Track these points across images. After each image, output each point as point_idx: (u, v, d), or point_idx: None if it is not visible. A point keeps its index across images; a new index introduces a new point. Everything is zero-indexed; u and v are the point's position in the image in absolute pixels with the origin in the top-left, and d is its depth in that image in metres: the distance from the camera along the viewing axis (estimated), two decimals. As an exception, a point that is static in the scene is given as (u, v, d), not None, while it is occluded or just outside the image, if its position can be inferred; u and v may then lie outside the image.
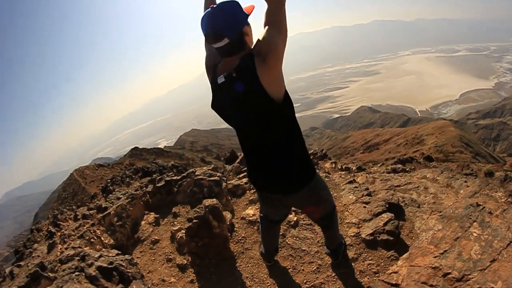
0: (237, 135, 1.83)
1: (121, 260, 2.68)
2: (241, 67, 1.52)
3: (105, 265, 2.54)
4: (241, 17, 1.53)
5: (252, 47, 1.58)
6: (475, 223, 2.32)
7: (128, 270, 2.59)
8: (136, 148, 46.69)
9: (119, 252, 2.95)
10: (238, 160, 6.32)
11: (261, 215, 2.42)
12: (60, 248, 4.26)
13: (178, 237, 3.70)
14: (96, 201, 6.73)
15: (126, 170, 15.13)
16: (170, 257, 3.53)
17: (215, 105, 1.75)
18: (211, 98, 1.74)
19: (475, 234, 2.24)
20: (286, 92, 1.61)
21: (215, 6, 1.52)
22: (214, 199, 3.37)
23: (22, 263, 3.86)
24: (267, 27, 1.52)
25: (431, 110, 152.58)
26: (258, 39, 1.53)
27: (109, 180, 8.84)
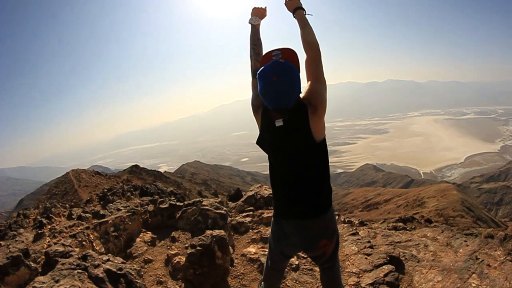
0: (273, 166, 2.04)
1: (130, 269, 2.62)
2: (296, 115, 1.81)
3: (114, 269, 2.48)
4: (299, 83, 1.77)
5: (302, 97, 1.86)
6: (474, 275, 2.47)
7: (136, 280, 2.52)
8: (136, 166, 46.51)
9: (124, 260, 2.88)
10: (242, 199, 6.27)
11: (270, 255, 2.39)
12: (48, 242, 4.16)
13: (175, 261, 3.61)
14: (91, 206, 6.63)
15: (125, 184, 15.02)
16: (161, 279, 3.43)
17: (261, 141, 2.02)
18: (259, 135, 2.02)
19: (473, 285, 2.35)
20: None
21: (279, 77, 1.70)
22: (222, 230, 3.34)
23: (2, 242, 3.74)
24: (313, 80, 1.87)
25: (435, 172, 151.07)
26: (310, 91, 1.85)
27: (107, 190, 8.73)
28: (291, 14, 2.17)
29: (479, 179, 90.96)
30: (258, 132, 2.06)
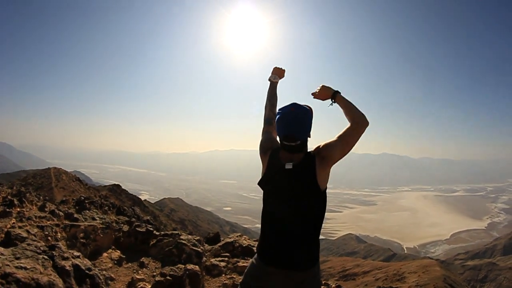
0: (269, 209, 2.03)
1: (100, 273, 2.45)
2: (304, 162, 1.91)
3: (83, 268, 2.31)
4: (310, 127, 1.99)
5: (319, 146, 1.97)
6: None
7: (102, 286, 2.34)
8: (118, 186, 45.40)
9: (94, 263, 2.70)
10: (220, 244, 6.04)
11: None
12: (13, 223, 3.94)
13: (139, 286, 3.39)
14: (66, 207, 6.37)
15: (103, 199, 14.57)
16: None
17: (265, 182, 2.04)
18: (262, 176, 2.05)
19: None
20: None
21: (296, 109, 1.94)
22: (197, 266, 3.18)
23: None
24: (338, 138, 1.95)
25: (418, 248, 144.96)
26: (329, 144, 1.93)
27: (84, 198, 8.45)
28: (329, 102, 2.18)
29: (464, 255, 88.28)
30: (260, 176, 2.07)
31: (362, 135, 2.00)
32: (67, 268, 2.24)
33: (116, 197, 36.71)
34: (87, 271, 2.38)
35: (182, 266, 3.14)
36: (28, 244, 2.22)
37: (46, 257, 2.17)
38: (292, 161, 1.93)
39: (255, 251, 2.11)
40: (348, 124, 1.99)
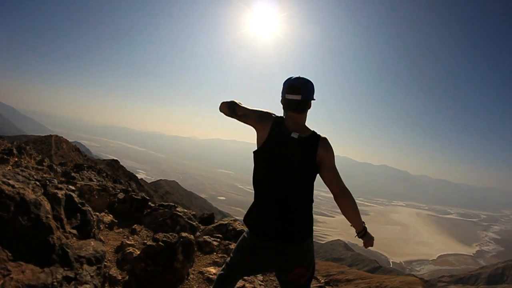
0: (263, 179, 1.96)
1: (92, 212, 2.33)
2: (310, 137, 1.94)
3: (77, 201, 2.20)
4: (312, 94, 2.01)
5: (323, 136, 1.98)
6: None
7: (93, 223, 2.22)
8: (116, 161, 45.41)
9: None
10: (213, 225, 5.94)
11: (223, 272, 2.09)
12: (9, 169, 3.85)
13: (128, 251, 3.27)
14: (64, 168, 6.27)
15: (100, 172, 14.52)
16: (106, 264, 3.07)
17: (265, 149, 1.94)
18: (263, 143, 1.94)
19: None
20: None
21: (301, 77, 2.00)
22: (192, 236, 3.04)
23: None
24: (330, 175, 1.92)
25: (404, 264, 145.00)
26: (329, 158, 1.93)
27: (85, 162, 8.38)
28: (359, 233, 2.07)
29: (448, 278, 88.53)
30: (256, 147, 1.99)
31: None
32: (59, 195, 2.11)
33: (113, 172, 36.73)
34: (79, 205, 2.26)
35: (175, 234, 3.01)
36: (22, 170, 2.10)
37: (38, 183, 2.04)
38: (298, 131, 1.93)
39: (245, 223, 2.00)
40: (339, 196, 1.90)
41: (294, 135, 1.91)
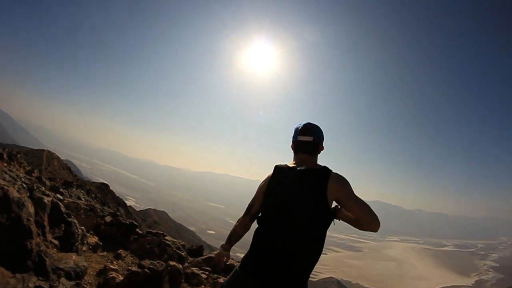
0: (266, 221, 1.86)
1: (77, 225, 2.17)
2: (319, 170, 1.80)
3: (64, 211, 2.05)
4: (323, 137, 1.97)
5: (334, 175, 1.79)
6: None
7: (77, 236, 2.05)
8: (106, 185, 44.72)
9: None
10: (202, 257, 5.68)
11: None
12: None
13: (110, 275, 3.05)
14: (52, 183, 6.07)
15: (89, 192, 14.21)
16: (86, 287, 2.85)
17: (268, 188, 1.89)
18: (268, 183, 1.90)
19: None
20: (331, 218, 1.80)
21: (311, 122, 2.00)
22: (180, 265, 2.86)
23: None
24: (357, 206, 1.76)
25: None
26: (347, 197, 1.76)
27: (74, 181, 8.17)
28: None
29: None
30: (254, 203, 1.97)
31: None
32: (45, 201, 1.98)
33: (102, 196, 35.94)
34: (65, 215, 2.11)
35: (163, 262, 2.82)
36: (10, 171, 1.97)
37: (24, 185, 1.91)
38: (307, 166, 1.84)
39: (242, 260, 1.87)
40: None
41: (301, 167, 1.83)
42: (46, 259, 1.67)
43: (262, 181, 1.98)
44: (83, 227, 2.43)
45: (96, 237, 4.28)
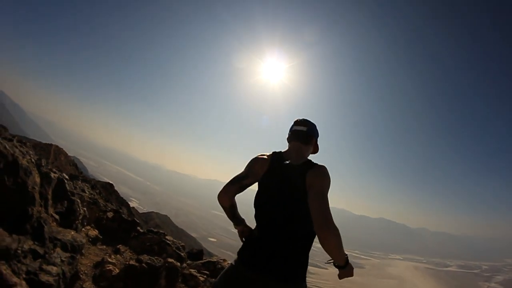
0: (257, 208, 1.89)
1: (81, 206, 2.13)
2: (303, 163, 1.87)
3: (68, 188, 2.02)
4: (317, 132, 2.12)
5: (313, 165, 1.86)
6: None
7: (78, 215, 2.01)
8: (111, 185, 45.00)
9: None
10: (202, 261, 5.60)
11: None
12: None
13: (107, 268, 3.00)
14: (59, 173, 6.07)
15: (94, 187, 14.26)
16: (82, 276, 2.80)
17: (262, 179, 1.92)
18: (263, 174, 1.92)
19: None
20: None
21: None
22: (178, 263, 2.79)
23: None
24: (314, 198, 1.67)
25: None
26: (317, 182, 1.74)
27: (81, 175, 8.19)
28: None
29: None
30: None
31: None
32: (51, 176, 1.96)
33: (106, 195, 36.09)
34: (69, 193, 2.09)
35: (161, 259, 2.76)
36: (21, 146, 1.95)
37: (33, 160, 1.90)
38: (296, 159, 1.92)
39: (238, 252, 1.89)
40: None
41: (288, 161, 1.91)
42: (45, 226, 1.68)
43: (256, 157, 2.01)
44: (85, 209, 2.39)
45: (97, 230, 4.24)
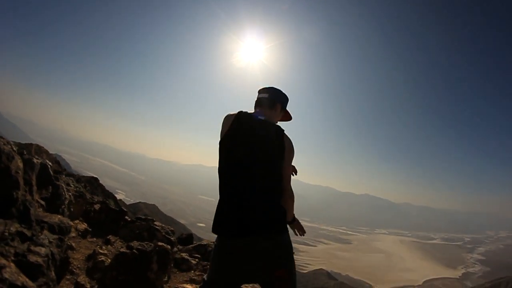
0: (229, 172, 1.84)
1: (66, 192, 2.17)
2: (277, 125, 1.96)
3: (52, 173, 2.04)
4: (283, 98, 2.15)
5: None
6: None
7: (64, 199, 2.05)
8: (96, 179, 44.27)
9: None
10: (192, 245, 5.72)
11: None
12: None
13: (99, 259, 3.08)
14: (41, 160, 6.00)
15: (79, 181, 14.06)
16: (75, 271, 2.86)
17: (229, 134, 1.87)
18: (228, 128, 1.89)
19: None
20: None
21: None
22: (169, 246, 2.89)
23: None
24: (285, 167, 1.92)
25: None
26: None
27: (64, 171, 8.05)
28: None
29: None
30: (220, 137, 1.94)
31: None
32: (34, 161, 1.98)
33: (91, 189, 35.62)
34: (53, 178, 2.12)
35: (151, 244, 2.85)
36: (1, 138, 1.95)
37: (14, 149, 1.90)
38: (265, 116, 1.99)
39: (212, 229, 1.80)
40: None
41: (262, 117, 1.96)
42: (31, 209, 1.69)
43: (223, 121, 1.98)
44: (70, 194, 2.43)
45: (85, 224, 4.28)
